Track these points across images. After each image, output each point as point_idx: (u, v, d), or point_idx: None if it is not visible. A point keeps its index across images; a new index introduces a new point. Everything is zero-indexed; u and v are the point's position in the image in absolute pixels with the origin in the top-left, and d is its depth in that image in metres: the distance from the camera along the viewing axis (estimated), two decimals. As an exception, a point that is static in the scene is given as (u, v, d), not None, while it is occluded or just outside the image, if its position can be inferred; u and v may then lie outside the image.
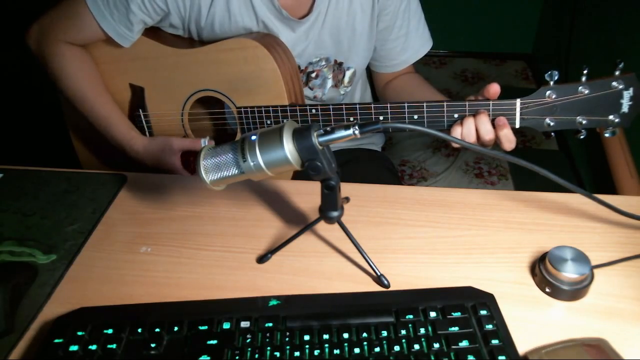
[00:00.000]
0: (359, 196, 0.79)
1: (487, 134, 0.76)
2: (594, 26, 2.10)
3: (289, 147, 0.56)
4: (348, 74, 1.04)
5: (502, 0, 2.91)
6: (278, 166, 0.57)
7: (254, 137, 0.57)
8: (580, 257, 0.61)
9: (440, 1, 2.84)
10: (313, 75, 1.01)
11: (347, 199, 0.77)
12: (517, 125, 0.77)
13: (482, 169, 2.28)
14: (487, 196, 0.79)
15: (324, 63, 1.00)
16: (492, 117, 0.77)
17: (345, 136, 0.57)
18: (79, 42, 0.95)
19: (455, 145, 0.74)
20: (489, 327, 0.55)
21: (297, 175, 0.73)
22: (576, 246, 0.62)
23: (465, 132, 0.77)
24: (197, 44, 0.97)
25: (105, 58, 0.98)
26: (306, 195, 0.80)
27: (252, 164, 0.57)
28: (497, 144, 0.78)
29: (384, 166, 1.17)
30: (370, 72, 1.16)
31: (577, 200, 0.76)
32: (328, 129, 0.57)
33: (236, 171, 0.58)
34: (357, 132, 0.57)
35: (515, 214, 0.75)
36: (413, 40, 1.04)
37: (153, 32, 0.97)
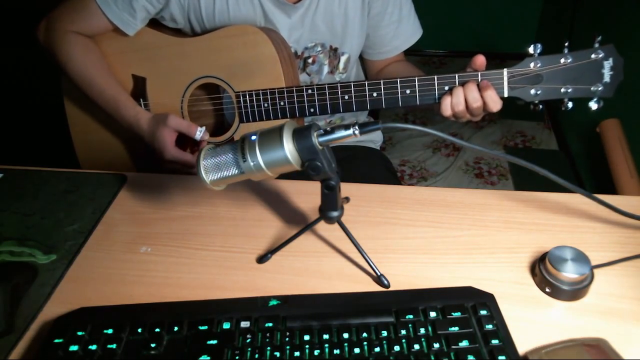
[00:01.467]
0: (359, 196, 0.79)
1: (475, 101, 0.79)
2: (594, 26, 2.10)
3: (289, 147, 0.56)
4: (343, 59, 1.07)
5: (502, 0, 2.91)
6: (278, 166, 0.57)
7: (253, 137, 0.57)
8: (580, 257, 0.61)
9: (440, 1, 2.85)
10: (310, 61, 1.03)
11: (347, 199, 0.77)
12: (506, 94, 0.81)
13: (482, 169, 2.28)
14: (487, 196, 0.79)
15: (319, 49, 1.03)
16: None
17: (345, 136, 0.57)
18: (86, 33, 0.98)
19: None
20: (489, 327, 0.55)
21: (297, 175, 0.73)
22: (576, 246, 0.62)
23: (455, 101, 0.80)
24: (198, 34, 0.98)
25: (109, 50, 1.00)
26: (306, 195, 0.80)
27: (252, 164, 0.57)
28: (485, 109, 0.80)
29: (382, 165, 1.18)
30: (363, 63, 1.18)
31: (577, 200, 0.76)
32: (328, 128, 0.57)
33: (236, 171, 0.58)
34: (357, 132, 0.57)
35: (515, 214, 0.75)
36: (405, 28, 1.08)
37: (156, 26, 0.99)
